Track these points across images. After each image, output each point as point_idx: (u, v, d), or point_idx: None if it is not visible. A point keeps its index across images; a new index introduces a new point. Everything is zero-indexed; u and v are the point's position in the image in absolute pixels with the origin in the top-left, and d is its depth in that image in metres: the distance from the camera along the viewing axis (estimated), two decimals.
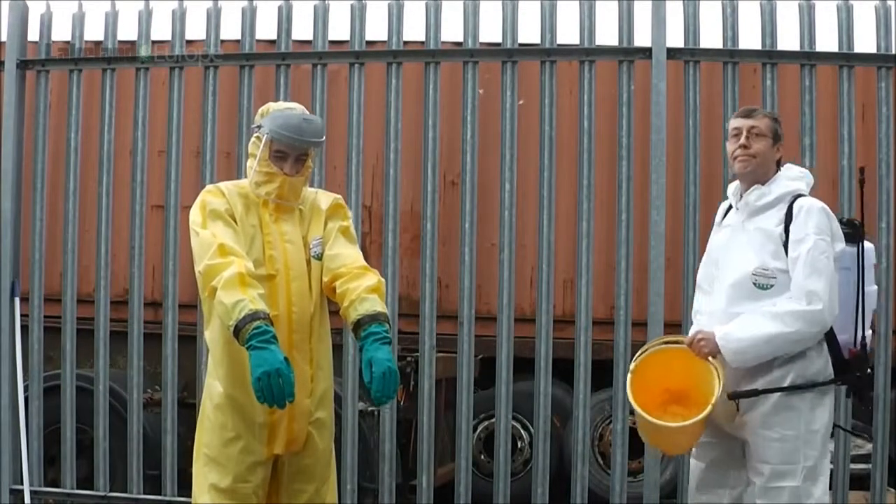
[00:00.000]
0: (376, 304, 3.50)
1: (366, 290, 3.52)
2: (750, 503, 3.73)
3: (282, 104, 3.72)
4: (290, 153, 3.59)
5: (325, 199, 3.79)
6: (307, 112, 3.68)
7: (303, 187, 3.70)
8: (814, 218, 3.68)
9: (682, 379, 3.76)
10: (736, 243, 3.78)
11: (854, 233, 3.79)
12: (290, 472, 3.65)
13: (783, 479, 3.62)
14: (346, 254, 3.66)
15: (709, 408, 3.59)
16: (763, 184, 3.79)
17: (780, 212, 3.74)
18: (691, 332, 3.80)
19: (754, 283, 3.68)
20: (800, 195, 3.77)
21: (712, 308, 3.79)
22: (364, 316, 3.47)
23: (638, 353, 3.82)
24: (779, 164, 3.87)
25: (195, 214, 3.56)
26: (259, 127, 3.63)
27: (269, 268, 3.57)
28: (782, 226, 3.70)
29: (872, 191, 5.11)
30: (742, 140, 3.78)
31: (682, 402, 3.73)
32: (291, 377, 3.27)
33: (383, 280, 3.63)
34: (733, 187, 3.92)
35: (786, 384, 3.65)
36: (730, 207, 3.95)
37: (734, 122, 3.86)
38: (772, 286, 3.67)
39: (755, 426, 3.64)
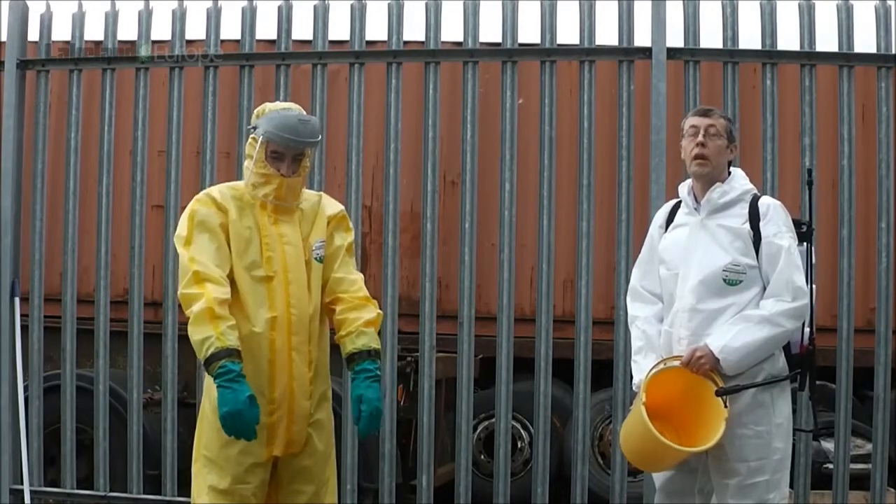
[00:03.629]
0: (372, 341, 3.62)
1: (364, 324, 3.62)
2: (721, 503, 3.74)
3: (278, 104, 3.70)
4: (287, 154, 3.58)
5: (330, 206, 3.79)
6: (304, 112, 3.66)
7: (301, 188, 3.69)
8: (782, 216, 3.77)
9: (670, 398, 3.73)
10: (698, 241, 3.78)
11: (806, 232, 3.85)
12: (289, 473, 3.65)
13: (759, 474, 3.67)
14: (351, 279, 3.72)
15: (719, 434, 3.58)
16: (722, 182, 3.82)
17: (743, 210, 3.78)
18: (686, 351, 3.72)
19: (724, 280, 3.72)
20: (756, 194, 3.84)
21: (677, 307, 3.77)
22: (361, 351, 3.59)
23: (644, 379, 3.74)
24: (730, 165, 3.90)
25: (182, 227, 3.56)
26: (255, 128, 3.61)
27: (268, 269, 3.57)
28: (748, 223, 3.75)
29: (871, 190, 5.13)
30: (700, 138, 3.79)
31: (660, 419, 3.68)
32: (256, 413, 3.38)
33: (381, 313, 3.73)
34: (686, 187, 3.92)
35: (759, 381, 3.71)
36: (675, 208, 3.96)
37: (691, 121, 3.86)
38: (740, 282, 3.72)
39: (729, 426, 3.64)
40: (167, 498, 5.36)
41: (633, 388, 3.88)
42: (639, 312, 3.93)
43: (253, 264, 3.55)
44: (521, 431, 6.64)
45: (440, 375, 5.47)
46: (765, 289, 3.73)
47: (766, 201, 3.81)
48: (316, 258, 3.66)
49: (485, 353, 5.93)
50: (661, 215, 4.01)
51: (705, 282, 3.72)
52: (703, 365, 3.67)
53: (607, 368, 5.22)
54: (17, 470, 5.46)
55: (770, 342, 3.68)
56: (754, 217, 3.76)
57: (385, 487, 5.27)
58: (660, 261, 3.90)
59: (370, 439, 5.41)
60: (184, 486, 5.32)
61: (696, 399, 3.69)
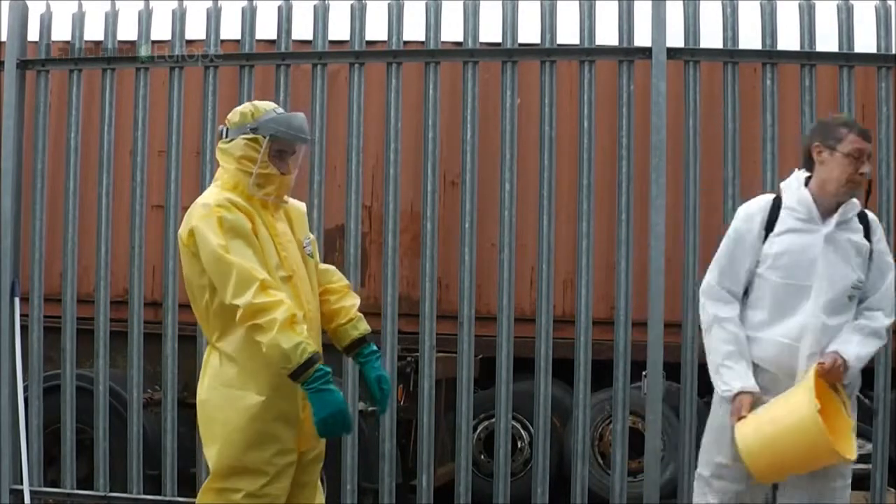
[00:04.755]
0: (367, 325, 3.84)
1: (357, 310, 3.84)
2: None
3: (267, 104, 3.73)
4: (289, 151, 3.65)
5: (299, 202, 3.90)
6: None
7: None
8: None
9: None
10: (827, 256, 3.73)
11: None
12: (302, 465, 3.64)
13: (850, 472, 3.80)
14: (332, 269, 3.92)
15: (855, 442, 3.63)
16: None
17: (857, 224, 3.82)
18: (828, 359, 3.67)
19: (849, 297, 3.76)
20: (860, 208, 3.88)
21: (807, 323, 3.71)
22: (363, 335, 3.79)
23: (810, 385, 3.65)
24: None
25: (213, 234, 3.46)
26: (255, 129, 3.61)
27: (286, 269, 3.60)
28: (864, 238, 3.80)
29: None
30: (866, 168, 3.75)
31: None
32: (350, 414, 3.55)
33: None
34: (804, 193, 3.80)
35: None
36: (774, 209, 3.84)
37: (856, 142, 3.74)
38: (856, 297, 3.79)
39: None
40: (167, 498, 5.36)
41: (723, 394, 3.79)
42: (725, 313, 3.83)
43: (277, 266, 3.58)
44: (521, 431, 6.65)
45: (440, 375, 5.47)
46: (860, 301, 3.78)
47: (872, 216, 3.85)
48: (309, 254, 3.75)
49: (485, 353, 5.92)
50: (758, 215, 3.86)
51: (835, 299, 3.73)
52: (840, 374, 3.69)
53: (607, 368, 5.21)
54: (17, 470, 5.46)
55: (875, 352, 3.82)
56: (867, 231, 3.81)
57: (385, 487, 5.26)
58: (768, 266, 3.80)
59: (370, 439, 5.42)
60: (184, 486, 5.34)
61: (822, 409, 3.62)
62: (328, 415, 3.38)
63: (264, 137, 3.59)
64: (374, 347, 3.80)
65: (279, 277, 3.55)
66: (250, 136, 3.61)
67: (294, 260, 3.64)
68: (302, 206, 3.89)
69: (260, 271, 3.45)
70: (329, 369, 3.43)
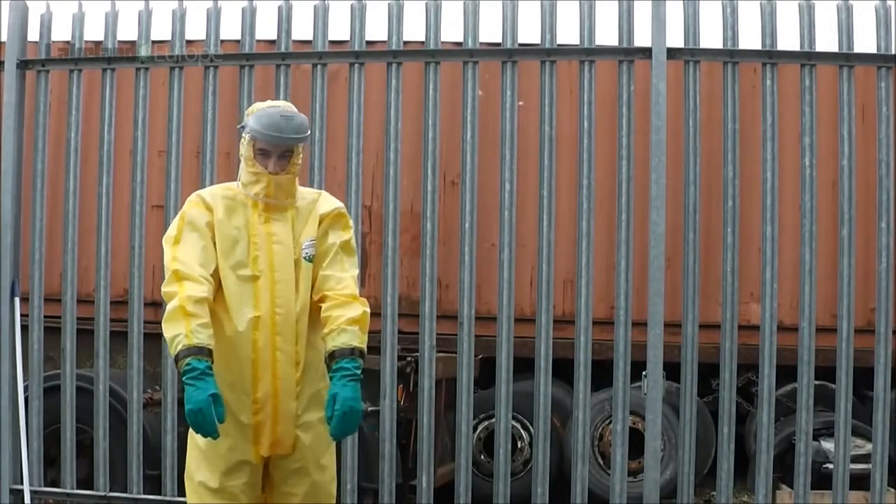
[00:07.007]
0: (354, 339, 3.50)
1: (347, 322, 3.51)
2: None
3: (267, 102, 3.73)
4: (273, 151, 3.58)
5: (326, 204, 3.75)
6: (291, 109, 3.66)
7: (293, 186, 3.69)
8: None
9: None
10: None
11: None
12: (281, 475, 3.65)
13: None
14: (338, 277, 3.63)
15: None
16: None
17: None
18: None
19: None
20: None
21: None
22: (339, 349, 3.48)
23: None
24: None
25: (172, 227, 3.64)
26: (244, 127, 3.65)
27: (254, 269, 3.58)
28: None
29: (871, 190, 5.13)
30: None
31: None
32: (220, 411, 3.36)
33: (368, 311, 3.59)
34: None
35: None
36: None
37: None
38: None
39: None
40: (167, 498, 5.36)
41: None
42: None
43: (238, 264, 3.58)
44: (521, 431, 6.65)
45: (440, 375, 5.47)
46: None
47: None
48: (305, 257, 3.64)
49: (485, 353, 5.93)
50: None
51: None
52: None
53: (607, 368, 5.21)
54: (17, 470, 5.46)
55: None
56: None
57: (385, 487, 5.27)
58: None
59: (370, 439, 5.42)
60: (184, 485, 5.33)
61: None
62: (189, 410, 3.33)
63: (247, 136, 3.61)
64: (346, 365, 3.44)
65: (241, 276, 3.56)
66: (243, 133, 3.65)
67: (270, 261, 3.59)
68: (325, 207, 3.73)
69: (181, 262, 3.51)
70: (201, 365, 3.34)
